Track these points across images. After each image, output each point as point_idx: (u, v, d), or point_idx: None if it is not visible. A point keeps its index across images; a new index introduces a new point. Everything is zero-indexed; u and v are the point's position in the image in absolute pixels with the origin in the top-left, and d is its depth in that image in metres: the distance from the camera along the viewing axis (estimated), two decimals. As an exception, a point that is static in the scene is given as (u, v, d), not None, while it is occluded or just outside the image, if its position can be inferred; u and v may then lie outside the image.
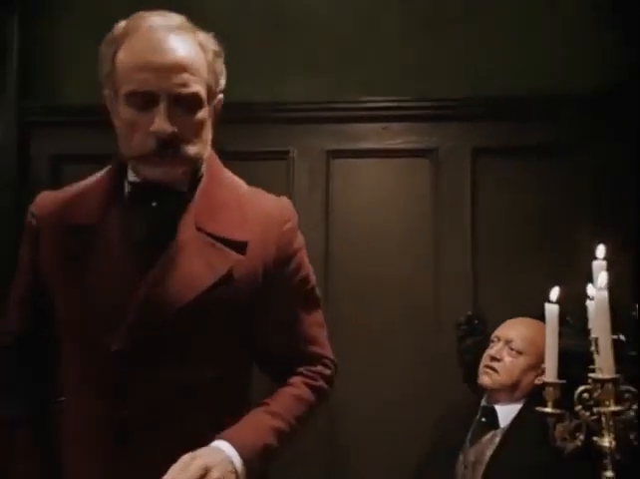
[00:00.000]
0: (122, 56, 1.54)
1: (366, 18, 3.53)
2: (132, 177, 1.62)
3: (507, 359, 2.73)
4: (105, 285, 1.57)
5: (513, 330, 2.79)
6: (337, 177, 3.46)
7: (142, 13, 1.58)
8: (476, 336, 3.15)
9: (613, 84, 3.18)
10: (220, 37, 3.45)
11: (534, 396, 2.61)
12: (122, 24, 1.58)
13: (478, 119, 3.42)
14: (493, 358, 2.74)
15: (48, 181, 3.46)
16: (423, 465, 2.84)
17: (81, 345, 1.61)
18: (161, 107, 1.51)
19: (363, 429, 3.38)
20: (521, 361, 2.72)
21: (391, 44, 3.50)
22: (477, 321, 3.15)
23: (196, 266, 1.57)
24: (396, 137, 3.49)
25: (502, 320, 3.02)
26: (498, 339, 2.80)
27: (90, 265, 1.58)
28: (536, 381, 2.69)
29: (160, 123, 1.50)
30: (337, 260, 3.44)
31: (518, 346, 2.74)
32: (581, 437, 1.95)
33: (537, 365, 2.70)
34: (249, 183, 3.55)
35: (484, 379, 2.74)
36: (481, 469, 2.60)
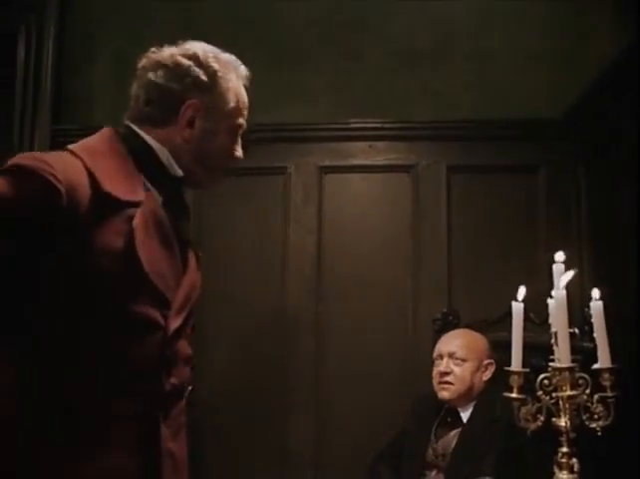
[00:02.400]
0: (241, 94, 1.68)
1: (354, 52, 3.56)
2: (175, 172, 1.61)
3: (456, 369, 2.75)
4: (158, 267, 1.51)
5: (452, 344, 2.82)
6: (329, 190, 3.47)
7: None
8: (450, 331, 3.21)
9: (576, 109, 3.22)
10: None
11: (483, 393, 2.75)
12: (241, 67, 1.70)
13: (451, 140, 3.45)
14: (444, 373, 2.76)
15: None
16: (398, 449, 2.87)
17: (125, 323, 1.45)
18: (239, 140, 1.68)
19: (347, 414, 3.37)
20: (468, 367, 2.76)
21: (376, 74, 3.54)
22: (451, 317, 3.19)
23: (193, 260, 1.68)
24: (380, 154, 3.51)
25: (474, 317, 3.08)
26: (441, 356, 2.81)
27: (138, 242, 1.46)
28: (484, 378, 2.77)
29: (241, 152, 1.69)
30: (328, 263, 3.45)
31: (461, 355, 2.77)
32: (542, 418, 2.00)
33: (481, 366, 2.77)
34: (251, 195, 3.63)
35: (444, 394, 2.75)
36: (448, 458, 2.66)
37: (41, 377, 1.42)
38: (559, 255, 2.03)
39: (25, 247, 1.39)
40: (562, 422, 1.94)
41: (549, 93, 3.43)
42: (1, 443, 1.40)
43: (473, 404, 2.75)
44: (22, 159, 1.44)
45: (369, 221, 3.49)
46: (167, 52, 1.64)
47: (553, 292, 1.99)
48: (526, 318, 2.56)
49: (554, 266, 1.99)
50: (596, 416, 1.94)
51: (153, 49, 1.67)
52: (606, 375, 1.95)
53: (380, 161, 3.51)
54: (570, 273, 1.97)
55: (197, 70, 1.61)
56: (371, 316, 3.42)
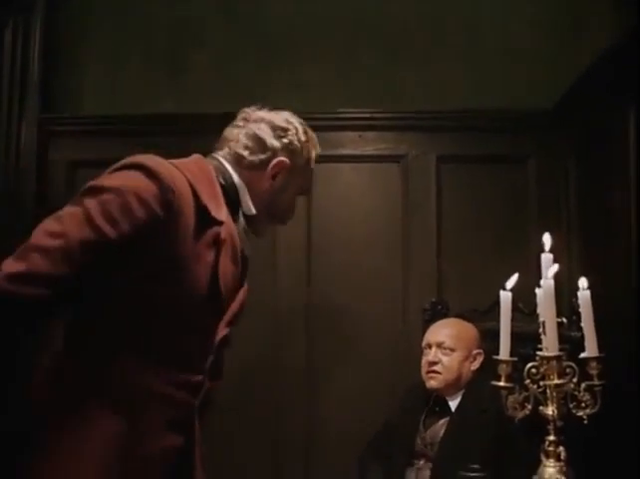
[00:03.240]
0: (313, 167, 1.97)
1: (343, 41, 3.57)
2: (248, 211, 1.86)
3: (444, 359, 2.77)
4: (226, 280, 1.73)
5: (440, 334, 2.83)
6: (319, 179, 3.42)
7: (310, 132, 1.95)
8: (439, 320, 3.23)
9: (567, 100, 3.24)
10: (220, 63, 3.54)
11: (471, 383, 2.76)
12: (317, 146, 1.96)
13: (441, 130, 3.46)
14: (432, 363, 2.78)
15: (64, 184, 3.48)
16: (386, 438, 2.90)
17: (180, 325, 1.66)
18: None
19: (338, 403, 3.39)
20: (456, 356, 2.77)
21: (366, 65, 3.56)
22: (440, 307, 3.20)
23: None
24: (369, 144, 3.52)
25: (463, 306, 3.10)
26: (430, 346, 2.82)
27: (220, 258, 1.70)
28: (472, 368, 2.79)
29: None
30: (318, 251, 3.47)
31: (450, 345, 2.78)
32: (529, 407, 2.01)
33: (469, 355, 2.79)
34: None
35: (432, 383, 2.77)
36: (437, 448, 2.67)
37: (108, 361, 1.61)
38: (546, 237, 2.03)
39: (133, 234, 1.57)
40: (549, 411, 1.95)
41: (540, 83, 3.44)
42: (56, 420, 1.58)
43: (461, 394, 2.77)
44: (142, 159, 1.64)
45: (358, 210, 3.51)
46: (273, 113, 1.92)
47: (541, 282, 2.00)
48: (515, 308, 2.58)
49: (543, 256, 2.00)
50: (583, 404, 1.95)
51: (254, 107, 1.95)
52: (593, 364, 1.95)
53: (369, 151, 3.52)
54: (556, 266, 1.98)
55: (294, 136, 1.88)
56: (361, 306, 3.44)
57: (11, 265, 1.52)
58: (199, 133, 3.44)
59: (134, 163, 1.63)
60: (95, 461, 1.56)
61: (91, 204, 1.57)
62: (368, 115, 3.51)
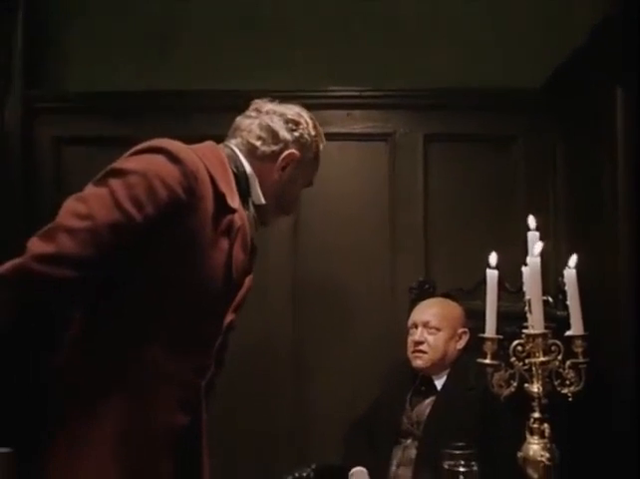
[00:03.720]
0: (319, 162, 2.02)
1: (332, 19, 3.55)
2: (258, 200, 1.90)
3: (430, 339, 2.79)
4: (237, 268, 1.78)
5: (426, 313, 2.85)
6: None
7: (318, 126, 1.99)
8: (426, 299, 3.24)
9: (555, 79, 3.23)
10: (208, 40, 3.51)
11: (457, 361, 2.79)
12: (324, 141, 2.01)
13: (429, 108, 3.46)
14: (418, 342, 2.79)
15: (50, 161, 3.47)
16: (373, 417, 2.92)
17: (196, 309, 1.70)
18: None
19: (325, 379, 3.41)
20: (442, 336, 2.79)
21: (355, 42, 3.53)
22: (427, 286, 3.22)
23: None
24: (357, 122, 3.51)
25: (450, 285, 3.11)
26: (416, 326, 2.84)
27: (233, 246, 1.75)
28: (457, 347, 2.81)
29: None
30: (305, 229, 3.47)
31: (435, 324, 2.80)
32: (514, 384, 2.02)
33: (455, 334, 2.81)
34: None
35: (417, 363, 2.78)
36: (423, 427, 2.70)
37: (122, 342, 1.64)
38: (531, 220, 2.04)
39: (156, 218, 1.60)
40: (534, 388, 1.97)
41: (529, 62, 3.43)
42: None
43: (446, 373, 2.79)
44: (164, 142, 1.66)
45: (346, 189, 3.51)
46: (285, 106, 1.95)
47: (527, 260, 2.01)
48: (502, 287, 2.60)
49: (529, 234, 2.01)
50: (568, 382, 1.97)
51: (266, 99, 1.98)
52: (578, 342, 1.97)
53: (357, 129, 3.52)
54: (541, 244, 1.99)
55: (305, 130, 1.93)
56: (348, 284, 3.45)
57: (39, 246, 1.53)
58: (186, 111, 3.45)
59: (156, 146, 1.66)
60: (106, 440, 1.59)
61: (117, 186, 1.58)
62: (356, 93, 3.50)
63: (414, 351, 2.80)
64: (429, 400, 2.75)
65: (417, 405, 2.77)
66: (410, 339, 2.83)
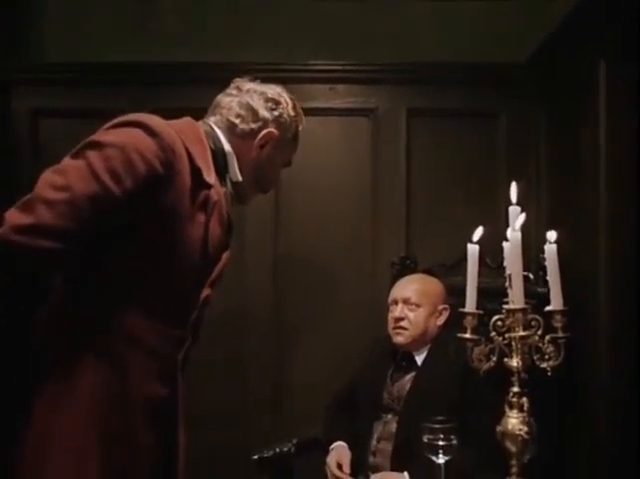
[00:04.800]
0: (298, 142, 2.07)
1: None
2: (235, 177, 1.93)
3: (410, 315, 2.78)
4: (213, 242, 1.80)
5: (406, 290, 2.85)
6: None
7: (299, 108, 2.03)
8: (407, 275, 3.26)
9: (539, 54, 3.23)
10: (189, 11, 3.46)
11: (437, 337, 2.79)
12: (304, 121, 2.06)
13: (412, 83, 3.44)
14: (398, 319, 2.79)
15: (27, 133, 3.44)
16: (354, 391, 2.93)
17: (173, 281, 1.73)
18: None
19: (305, 354, 3.44)
20: (422, 312, 2.79)
21: (337, 15, 3.51)
22: (409, 262, 3.23)
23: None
24: (340, 97, 3.49)
25: (432, 261, 3.12)
26: (396, 302, 2.83)
27: (209, 220, 1.77)
28: (438, 323, 2.81)
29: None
30: (286, 204, 3.46)
31: (415, 301, 2.80)
32: (494, 359, 2.03)
33: (435, 311, 2.81)
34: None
35: (398, 339, 2.78)
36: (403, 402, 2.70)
37: (99, 313, 1.66)
38: (513, 187, 2.04)
39: (136, 194, 1.61)
40: (514, 362, 1.99)
41: (511, 36, 3.42)
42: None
43: (427, 348, 2.80)
44: (142, 117, 1.67)
45: (328, 164, 3.50)
46: (265, 86, 1.98)
47: (508, 234, 2.02)
48: (483, 263, 2.61)
49: (510, 208, 2.00)
50: (547, 357, 1.98)
51: (247, 77, 2.01)
52: (558, 317, 1.98)
53: (340, 104, 3.50)
54: (523, 216, 2.00)
55: (284, 110, 1.96)
56: (329, 259, 3.46)
57: (17, 217, 1.54)
58: (166, 83, 3.42)
59: (134, 120, 1.67)
60: (82, 410, 1.62)
61: (94, 159, 1.59)
62: (339, 67, 3.47)
63: (394, 328, 2.80)
64: (409, 376, 2.76)
65: (398, 381, 2.78)
66: (390, 316, 2.84)
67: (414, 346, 2.80)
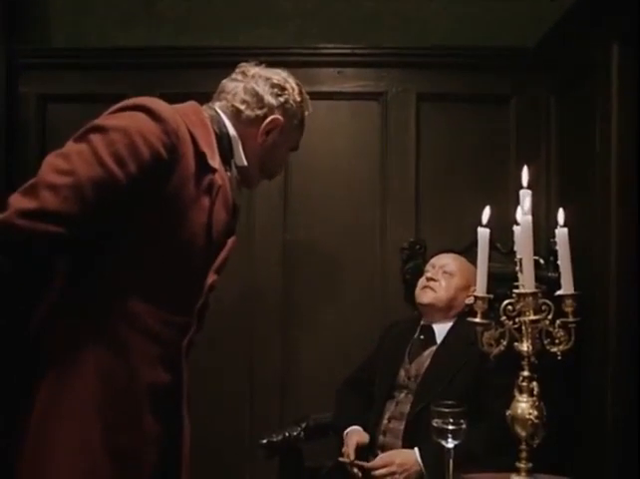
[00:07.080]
0: (304, 128, 2.06)
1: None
2: (240, 162, 1.93)
3: (443, 280, 2.83)
4: (218, 227, 1.80)
5: (445, 258, 2.91)
6: None
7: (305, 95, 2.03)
8: (417, 260, 3.26)
9: (550, 37, 3.21)
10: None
11: (464, 315, 2.73)
12: (310, 108, 2.06)
13: (422, 67, 3.42)
14: (430, 279, 2.84)
15: (34, 118, 3.45)
16: (370, 372, 2.93)
17: (178, 266, 1.73)
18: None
19: (314, 338, 3.43)
20: (455, 281, 2.82)
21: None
22: (418, 247, 3.24)
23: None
24: (349, 81, 3.47)
25: (441, 246, 3.12)
26: (433, 267, 2.89)
27: (214, 204, 1.76)
28: (467, 301, 2.80)
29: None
30: (295, 191, 3.46)
31: (452, 269, 2.85)
32: (504, 343, 2.04)
33: (468, 287, 2.80)
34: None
35: (424, 299, 2.81)
36: (420, 380, 2.70)
37: (104, 298, 1.66)
38: (524, 175, 2.04)
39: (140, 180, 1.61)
40: (524, 347, 1.99)
41: (523, 20, 3.40)
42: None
43: (449, 324, 2.80)
44: (145, 100, 1.67)
45: (337, 148, 3.49)
46: (271, 71, 1.98)
47: (518, 218, 2.01)
48: (493, 248, 2.62)
49: (521, 192, 2.00)
50: (557, 341, 1.99)
51: (252, 62, 2.01)
52: (569, 301, 1.98)
53: (349, 88, 3.48)
54: (529, 198, 1.99)
55: (290, 96, 1.96)
56: (338, 245, 3.46)
57: (21, 201, 1.53)
58: (172, 67, 3.42)
59: (137, 104, 1.66)
60: (86, 395, 1.62)
61: (98, 143, 1.58)
62: (348, 51, 3.46)
63: (424, 287, 2.85)
64: (428, 352, 2.76)
65: (416, 358, 2.77)
66: (422, 278, 2.89)
67: (437, 315, 2.81)
